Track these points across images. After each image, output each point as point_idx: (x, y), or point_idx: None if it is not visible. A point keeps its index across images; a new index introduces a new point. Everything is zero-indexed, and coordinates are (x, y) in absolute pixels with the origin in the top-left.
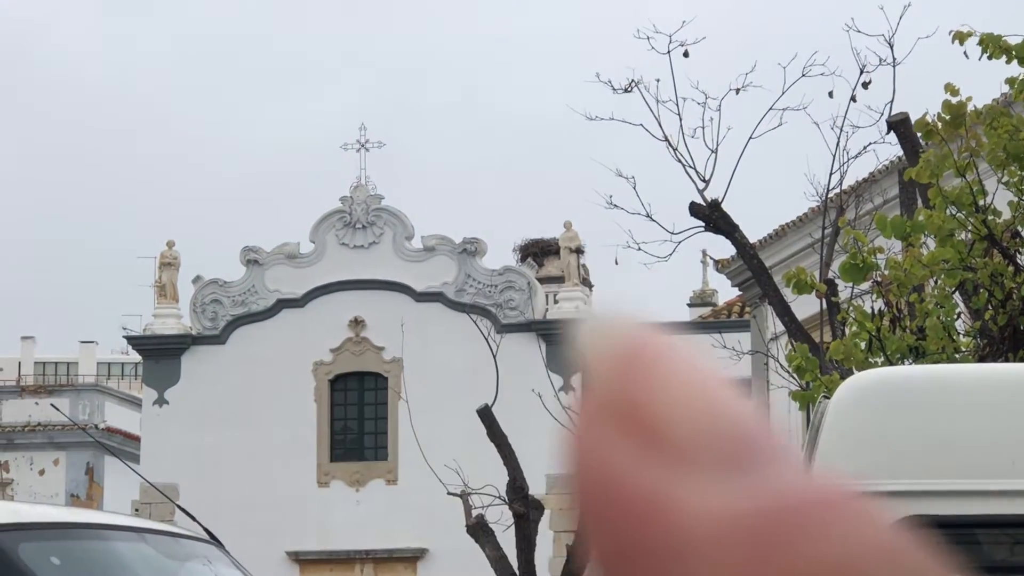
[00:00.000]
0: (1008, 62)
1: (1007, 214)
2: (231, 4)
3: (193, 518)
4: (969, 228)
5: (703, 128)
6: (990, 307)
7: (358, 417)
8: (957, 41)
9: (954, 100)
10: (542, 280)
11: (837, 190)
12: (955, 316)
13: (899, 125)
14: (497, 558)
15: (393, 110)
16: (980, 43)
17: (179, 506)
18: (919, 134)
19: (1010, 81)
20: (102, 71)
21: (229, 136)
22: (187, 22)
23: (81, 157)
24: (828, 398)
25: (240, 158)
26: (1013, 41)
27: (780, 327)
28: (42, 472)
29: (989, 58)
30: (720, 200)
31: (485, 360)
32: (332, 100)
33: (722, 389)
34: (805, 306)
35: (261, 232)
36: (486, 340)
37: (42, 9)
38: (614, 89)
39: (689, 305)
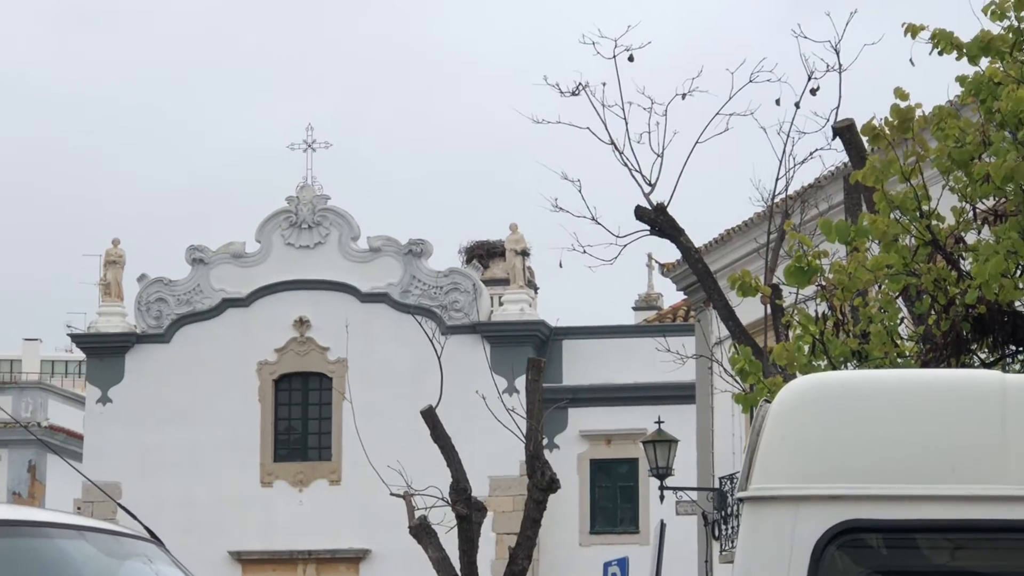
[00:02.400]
0: (959, 58)
1: (951, 219)
2: (183, 8)
3: (134, 517)
4: (913, 233)
5: (649, 133)
6: (933, 312)
7: (302, 417)
8: (909, 35)
9: (903, 104)
10: (487, 282)
11: (783, 195)
12: (898, 321)
13: (845, 131)
14: (439, 559)
15: (342, 113)
16: (932, 38)
17: (121, 505)
18: (866, 138)
19: (960, 79)
20: (50, 74)
21: (177, 136)
22: (136, 27)
23: (25, 156)
24: (770, 402)
25: (188, 159)
26: (964, 39)
27: (724, 331)
28: None
29: (940, 53)
30: (666, 204)
31: (429, 361)
32: (281, 104)
33: None
34: (750, 310)
35: (207, 231)
36: (431, 341)
37: None
38: (561, 92)
39: (634, 308)
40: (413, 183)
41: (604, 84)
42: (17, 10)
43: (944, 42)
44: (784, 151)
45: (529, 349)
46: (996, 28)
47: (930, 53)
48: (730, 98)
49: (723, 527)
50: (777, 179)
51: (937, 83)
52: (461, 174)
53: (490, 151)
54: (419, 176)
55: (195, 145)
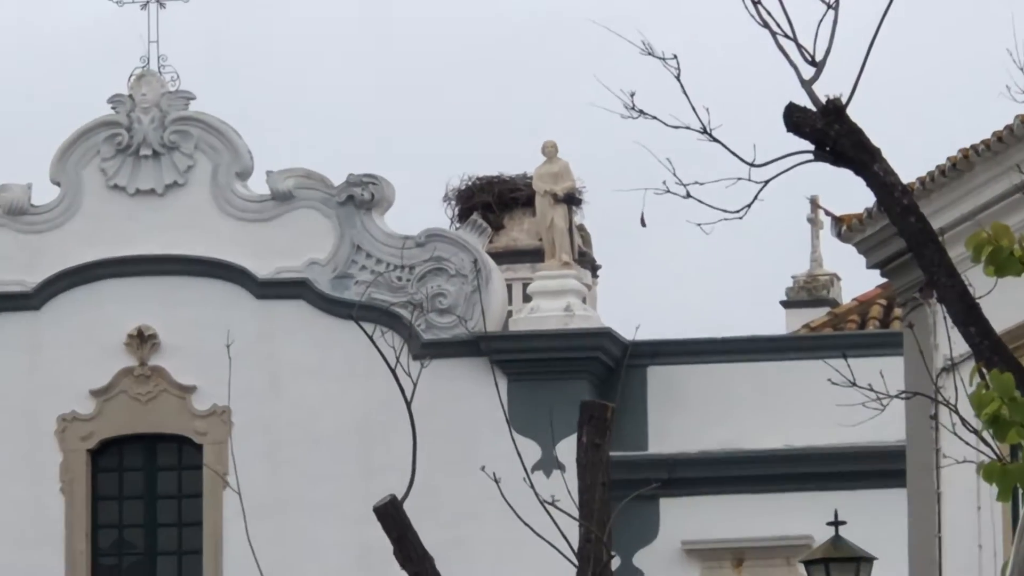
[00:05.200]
0: None
1: None
2: None
3: None
4: None
5: None
6: None
7: (145, 521)
8: None
9: None
10: (499, 255)
11: None
12: None
13: None
14: None
15: None
16: None
17: None
18: None
19: None
20: None
21: None
22: None
23: None
24: None
25: None
26: None
27: (962, 346)
28: None
29: None
30: (846, 101)
31: (390, 410)
32: None
33: None
34: (1009, 305)
35: None
36: (392, 372)
37: None
38: None
39: (785, 304)
40: (354, 75)
41: None
42: None
43: None
44: None
45: (584, 385)
46: None
47: None
48: None
49: None
50: None
51: None
52: (449, 62)
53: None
54: (370, 66)
55: None
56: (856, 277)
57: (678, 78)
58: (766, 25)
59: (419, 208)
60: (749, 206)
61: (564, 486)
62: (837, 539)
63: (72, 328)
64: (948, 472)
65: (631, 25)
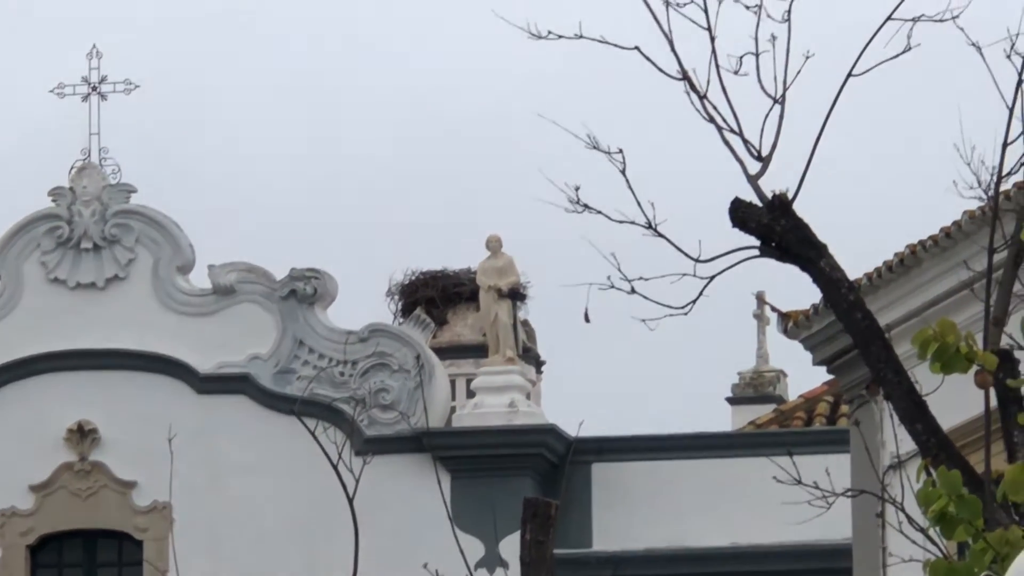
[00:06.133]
0: None
1: None
2: None
3: None
4: None
5: (756, 55)
6: None
7: None
8: None
9: None
10: (443, 351)
11: (1017, 176)
12: None
13: None
14: None
15: (157, 32)
16: None
17: None
18: None
19: None
20: None
21: None
22: None
23: None
24: None
25: None
26: None
27: (909, 444)
28: None
29: None
30: (792, 196)
31: (332, 508)
32: (41, 12)
33: None
34: (955, 402)
35: None
36: (334, 469)
37: None
38: None
39: (731, 401)
40: (296, 170)
41: None
42: None
43: None
44: (1020, 87)
45: (528, 482)
46: None
47: None
48: None
49: None
50: (1006, 147)
51: None
52: (393, 154)
53: (443, 111)
54: (312, 153)
55: None
56: (803, 373)
57: (623, 172)
58: (712, 120)
59: (362, 303)
60: (694, 302)
61: None
62: None
63: (12, 422)
64: (895, 571)
65: (577, 119)
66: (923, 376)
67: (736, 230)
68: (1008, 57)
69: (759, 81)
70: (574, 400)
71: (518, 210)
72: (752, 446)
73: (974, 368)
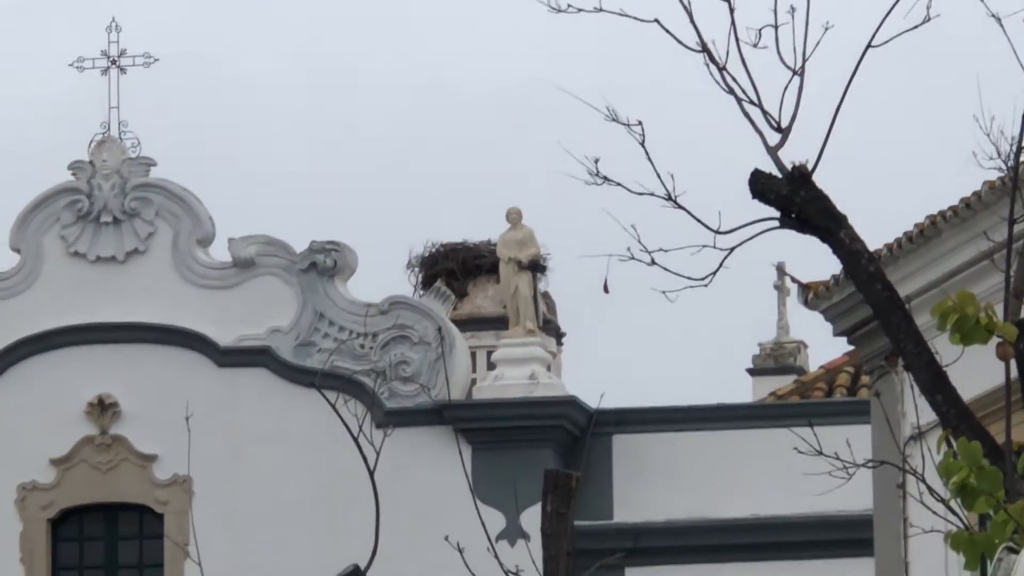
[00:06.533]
0: None
1: None
2: None
3: None
4: None
5: (775, 27)
6: None
7: None
8: None
9: None
10: (463, 323)
11: None
12: None
13: None
14: None
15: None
16: None
17: None
18: None
19: None
20: None
21: None
22: None
23: None
24: (1017, 550)
25: None
26: None
27: (929, 414)
28: None
29: None
30: (812, 168)
31: (352, 479)
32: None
33: None
34: (975, 372)
35: None
36: (354, 440)
37: None
38: None
39: (752, 372)
40: (316, 143)
41: None
42: None
43: None
44: None
45: (548, 453)
46: None
47: None
48: None
49: None
50: None
51: None
52: (412, 129)
53: (462, 84)
54: (331, 127)
55: None
56: (823, 344)
57: (643, 144)
58: (732, 91)
59: (382, 275)
60: (714, 273)
61: (529, 556)
62: None
63: (32, 396)
64: (915, 541)
65: (596, 91)
66: (943, 347)
67: (756, 201)
68: None
69: (778, 53)
70: (595, 372)
71: (538, 182)
72: (773, 417)
73: (994, 339)
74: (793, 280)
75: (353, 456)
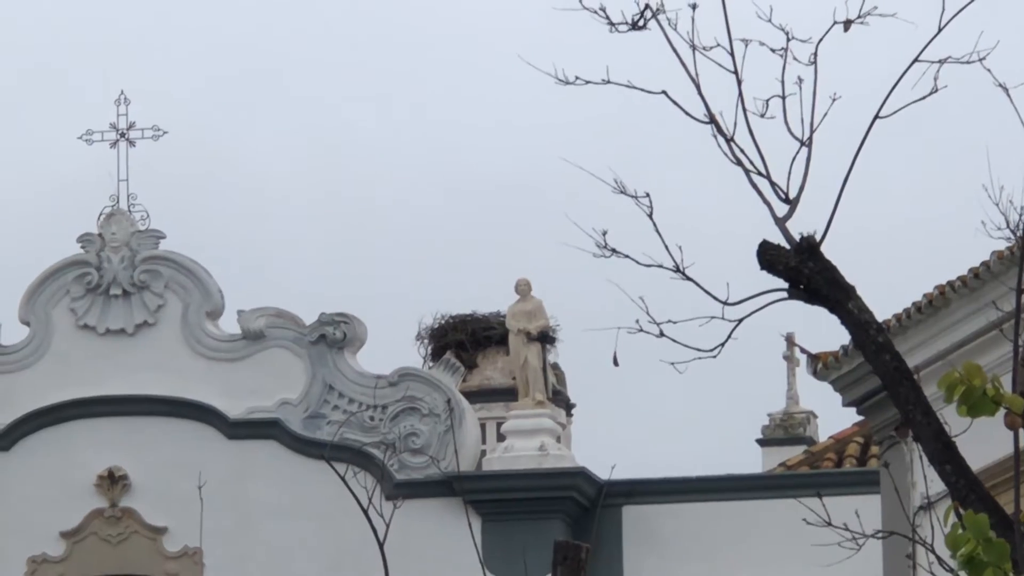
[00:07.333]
0: None
1: None
2: None
3: None
4: None
5: (783, 98)
6: None
7: None
8: None
9: None
10: (473, 394)
11: None
12: None
13: None
14: None
15: (186, 81)
16: None
17: None
18: None
19: None
20: None
21: None
22: None
23: None
24: None
25: None
26: None
27: (938, 485)
28: None
29: None
30: (820, 239)
31: (363, 552)
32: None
33: None
34: (984, 443)
35: None
36: (364, 514)
37: None
38: (611, 25)
39: (762, 442)
40: (325, 215)
41: (694, 6)
42: None
43: None
44: None
45: (558, 525)
46: None
47: None
48: (939, 30)
49: None
50: None
51: None
52: (422, 201)
53: (471, 157)
54: (340, 200)
55: None
56: (833, 415)
57: (651, 216)
58: (739, 163)
59: (391, 347)
60: (723, 345)
61: None
62: None
63: (42, 469)
64: None
65: (603, 164)
66: (952, 417)
67: (764, 272)
68: None
69: (786, 124)
70: (605, 443)
71: (547, 254)
72: (782, 488)
73: (1002, 410)
74: (802, 351)
75: (363, 528)
